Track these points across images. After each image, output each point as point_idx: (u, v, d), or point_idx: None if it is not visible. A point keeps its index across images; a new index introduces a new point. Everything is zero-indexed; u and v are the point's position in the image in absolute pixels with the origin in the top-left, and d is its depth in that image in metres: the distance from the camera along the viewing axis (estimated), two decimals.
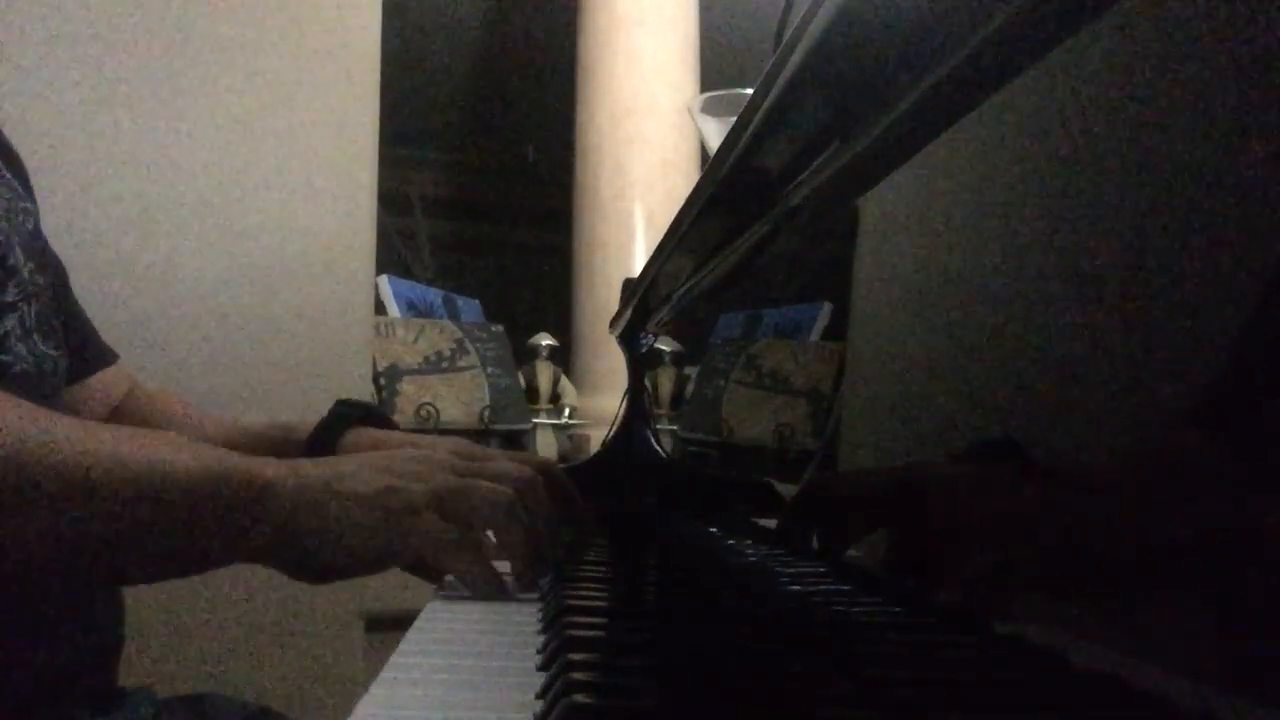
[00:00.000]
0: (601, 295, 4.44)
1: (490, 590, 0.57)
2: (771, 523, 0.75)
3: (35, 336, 0.68)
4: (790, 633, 0.49)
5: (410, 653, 0.46)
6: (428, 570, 0.63)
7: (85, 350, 0.81)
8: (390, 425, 0.77)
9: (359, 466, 0.55)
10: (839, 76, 0.48)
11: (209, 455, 0.52)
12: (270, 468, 0.52)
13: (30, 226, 0.72)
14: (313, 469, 0.54)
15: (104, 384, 0.83)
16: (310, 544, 0.52)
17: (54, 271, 0.77)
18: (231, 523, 0.51)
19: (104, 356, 0.84)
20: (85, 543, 0.49)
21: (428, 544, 0.54)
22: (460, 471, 0.58)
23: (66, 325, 0.76)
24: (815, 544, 0.62)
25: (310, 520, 0.52)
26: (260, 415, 1.26)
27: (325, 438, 0.72)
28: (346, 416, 0.74)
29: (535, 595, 0.58)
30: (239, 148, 1.39)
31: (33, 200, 0.76)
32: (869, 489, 0.55)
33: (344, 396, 0.77)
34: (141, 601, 1.20)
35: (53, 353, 0.70)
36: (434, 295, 3.12)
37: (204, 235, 1.36)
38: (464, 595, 0.58)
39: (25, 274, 0.68)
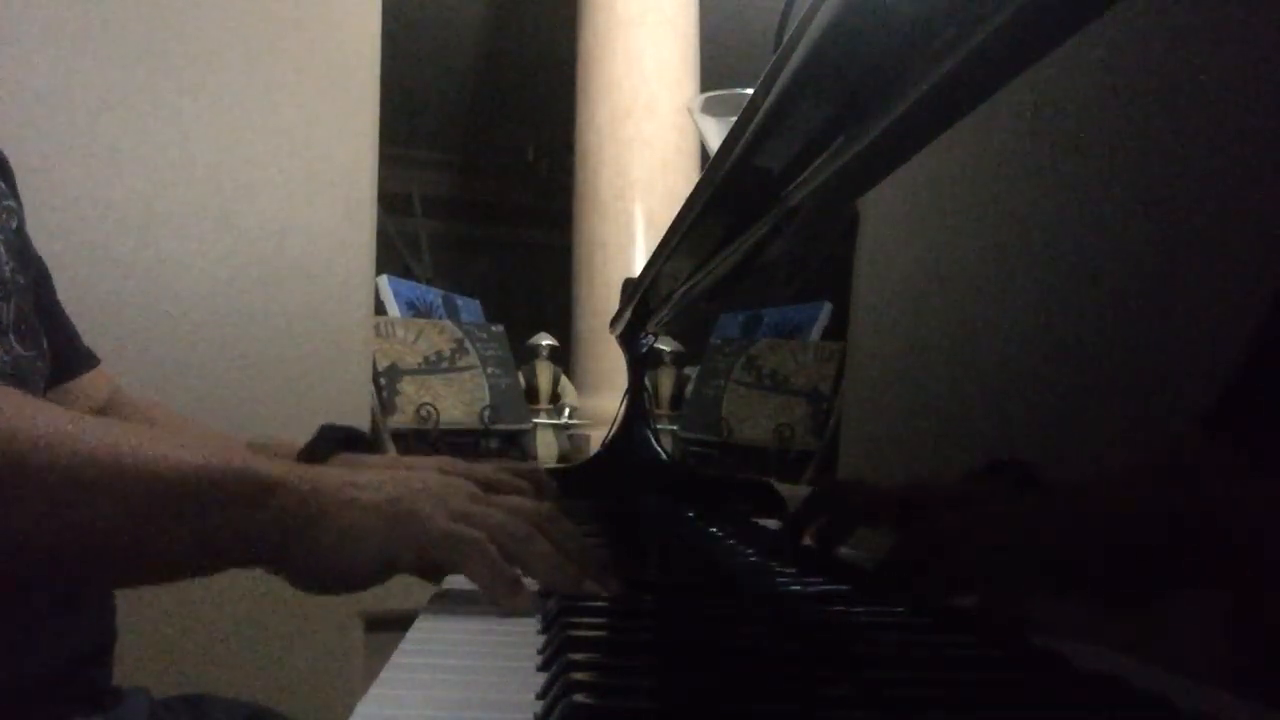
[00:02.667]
0: (601, 295, 4.43)
1: (506, 594, 0.53)
2: (772, 523, 0.75)
3: (12, 337, 0.67)
4: (790, 633, 0.49)
5: (410, 653, 0.46)
6: (430, 570, 0.62)
7: (67, 353, 0.80)
8: (375, 449, 0.77)
9: (374, 476, 0.55)
10: (839, 77, 0.48)
11: (218, 452, 0.51)
12: (281, 467, 0.52)
13: (14, 225, 0.72)
14: (325, 472, 0.54)
15: (86, 388, 0.82)
16: (317, 546, 0.51)
17: (36, 272, 0.76)
18: (240, 520, 0.50)
19: (86, 360, 0.83)
20: (85, 538, 0.47)
21: (440, 542, 0.52)
22: (477, 500, 0.57)
23: (48, 327, 0.75)
24: (814, 548, 0.62)
25: (319, 521, 0.51)
26: (257, 418, 1.26)
27: (310, 461, 0.71)
28: (332, 440, 0.73)
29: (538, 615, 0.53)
30: (239, 148, 1.39)
31: (17, 199, 0.75)
32: (869, 497, 0.55)
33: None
34: (139, 600, 1.20)
35: (29, 354, 0.69)
36: (434, 295, 3.12)
37: (203, 235, 1.36)
38: (463, 595, 0.58)
39: (6, 273, 0.68)
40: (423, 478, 0.57)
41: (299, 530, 0.51)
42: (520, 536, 0.54)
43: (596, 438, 2.70)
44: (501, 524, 0.54)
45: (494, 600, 0.53)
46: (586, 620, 0.49)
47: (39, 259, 0.78)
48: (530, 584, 0.55)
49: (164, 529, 0.49)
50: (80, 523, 0.47)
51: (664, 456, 1.15)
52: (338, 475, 0.54)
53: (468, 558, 0.53)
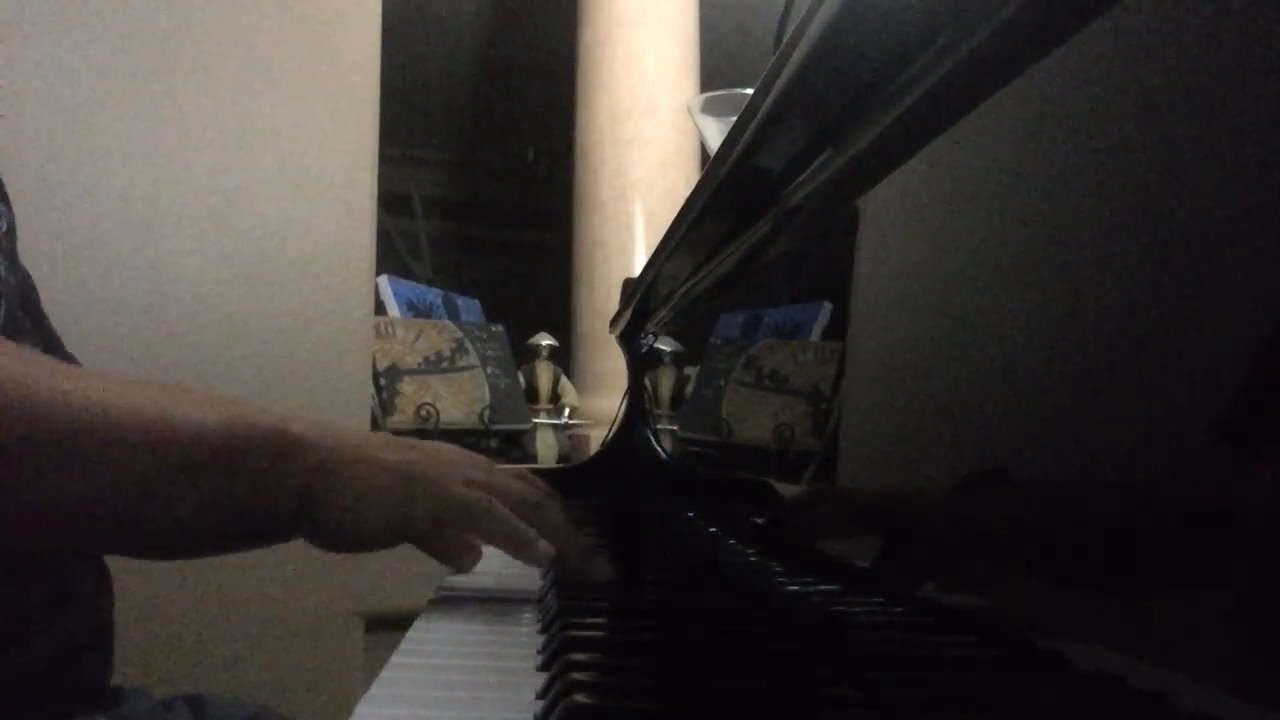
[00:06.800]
0: (601, 295, 4.43)
1: (525, 546, 0.53)
2: (772, 523, 0.75)
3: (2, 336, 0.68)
4: (790, 633, 0.49)
5: (410, 653, 0.46)
6: (440, 548, 0.62)
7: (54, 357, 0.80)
8: None
9: (389, 440, 0.55)
10: (839, 76, 0.48)
11: (234, 409, 0.50)
12: (301, 425, 0.51)
13: (4, 227, 0.72)
14: (345, 431, 0.54)
15: None
16: (334, 503, 0.51)
17: (23, 277, 0.76)
18: (264, 477, 0.49)
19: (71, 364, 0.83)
20: (109, 499, 0.47)
21: (453, 505, 0.52)
22: (490, 470, 0.57)
23: (36, 331, 0.75)
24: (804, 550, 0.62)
25: (338, 478, 0.51)
26: None
27: None
28: None
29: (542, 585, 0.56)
30: (239, 148, 1.39)
31: (6, 203, 0.76)
32: (869, 496, 0.55)
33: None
34: (139, 600, 1.20)
35: None
36: (434, 295, 3.13)
37: (203, 235, 1.36)
38: (463, 595, 0.58)
39: (0, 272, 0.68)
40: (438, 447, 0.57)
41: (320, 487, 0.51)
42: (533, 503, 0.55)
43: (596, 438, 2.70)
44: (515, 491, 0.55)
45: (512, 554, 0.54)
46: (586, 620, 0.49)
47: (22, 266, 0.78)
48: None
49: (190, 488, 0.48)
50: (104, 483, 0.46)
51: (664, 456, 1.15)
52: (357, 436, 0.54)
53: (481, 519, 0.53)
